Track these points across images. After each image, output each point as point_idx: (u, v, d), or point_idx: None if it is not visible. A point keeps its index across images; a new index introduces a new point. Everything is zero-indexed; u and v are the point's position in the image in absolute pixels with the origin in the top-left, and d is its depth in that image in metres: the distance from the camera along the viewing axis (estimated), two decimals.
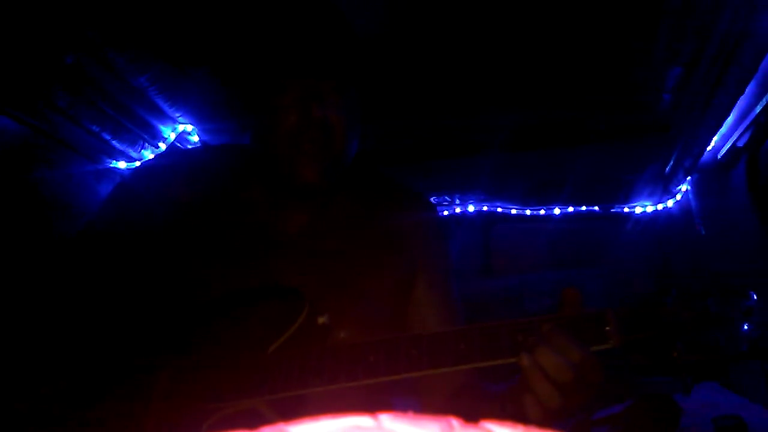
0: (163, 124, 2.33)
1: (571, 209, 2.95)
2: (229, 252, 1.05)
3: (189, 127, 2.40)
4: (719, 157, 2.40)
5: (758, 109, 2.06)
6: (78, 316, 1.00)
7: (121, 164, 2.29)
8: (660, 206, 2.94)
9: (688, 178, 2.65)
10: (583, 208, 2.94)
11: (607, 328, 0.80)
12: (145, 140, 2.29)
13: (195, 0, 1.78)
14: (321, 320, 0.91)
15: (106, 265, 1.06)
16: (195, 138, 2.44)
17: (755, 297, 0.78)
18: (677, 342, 0.78)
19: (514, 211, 2.99)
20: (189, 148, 2.40)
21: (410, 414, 0.33)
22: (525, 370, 0.79)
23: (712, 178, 2.48)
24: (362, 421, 0.32)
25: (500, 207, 3.00)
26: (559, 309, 0.84)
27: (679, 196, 2.82)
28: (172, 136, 2.37)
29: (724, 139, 2.32)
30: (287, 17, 1.01)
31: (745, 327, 0.78)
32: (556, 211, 2.96)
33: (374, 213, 1.13)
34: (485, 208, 3.01)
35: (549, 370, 0.77)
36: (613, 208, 2.95)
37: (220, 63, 1.99)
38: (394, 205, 1.16)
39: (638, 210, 2.96)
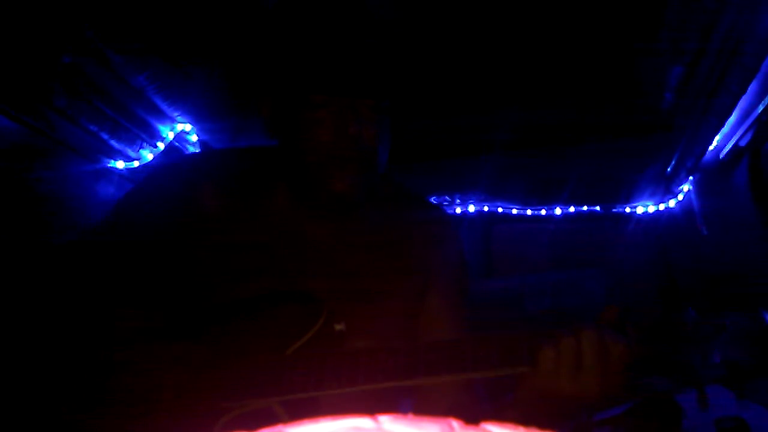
0: (161, 123, 2.32)
1: (572, 209, 2.94)
2: (252, 257, 1.06)
3: (188, 127, 2.39)
4: (721, 156, 2.38)
5: (760, 108, 2.04)
6: (90, 316, 0.99)
7: (120, 164, 2.28)
8: (662, 206, 2.93)
9: (690, 177, 2.64)
10: (585, 207, 2.93)
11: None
12: (143, 140, 2.28)
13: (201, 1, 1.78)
14: (338, 327, 0.93)
15: (124, 267, 1.05)
16: (194, 137, 2.44)
17: None
18: (696, 356, 0.80)
19: (515, 211, 2.98)
20: (208, 151, 2.38)
21: (410, 416, 0.32)
22: (561, 352, 0.81)
23: (715, 177, 2.47)
24: (362, 422, 0.31)
25: (501, 207, 2.99)
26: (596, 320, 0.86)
27: (681, 196, 2.81)
28: (171, 136, 2.37)
29: (726, 138, 2.30)
30: (323, 32, 1.00)
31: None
32: (557, 211, 2.95)
33: (395, 226, 1.14)
34: (486, 208, 3.00)
35: (586, 351, 0.80)
36: (615, 208, 2.94)
37: (239, 74, 1.98)
38: (414, 219, 1.17)
39: (640, 210, 2.95)
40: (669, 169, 2.72)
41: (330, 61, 0.99)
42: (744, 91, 1.96)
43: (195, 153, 2.40)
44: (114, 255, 1.06)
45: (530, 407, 0.86)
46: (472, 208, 3.02)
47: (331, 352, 0.88)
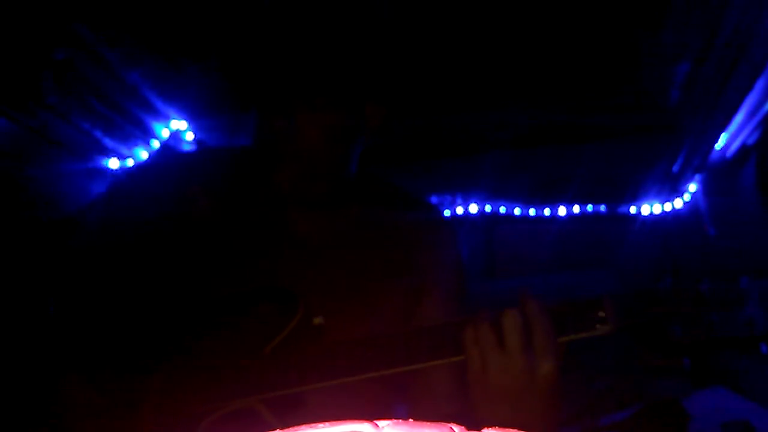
0: (156, 121, 2.30)
1: (576, 209, 2.91)
2: (233, 254, 1.04)
3: (183, 125, 2.37)
4: (728, 155, 2.38)
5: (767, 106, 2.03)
6: (69, 318, 0.98)
7: (113, 163, 2.25)
8: (668, 206, 2.91)
9: (697, 176, 2.63)
10: (589, 207, 2.91)
11: (601, 313, 0.80)
12: (137, 138, 2.26)
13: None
14: (317, 321, 0.90)
15: (103, 267, 1.03)
16: (189, 135, 2.41)
17: (747, 281, 0.80)
18: (673, 326, 0.80)
19: (518, 212, 2.95)
20: (190, 151, 2.38)
21: (411, 421, 0.30)
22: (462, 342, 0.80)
23: (722, 177, 2.47)
24: (362, 427, 0.30)
25: (504, 207, 2.96)
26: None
27: (687, 196, 2.80)
28: (166, 134, 2.34)
29: (734, 137, 2.29)
30: (318, 37, 0.99)
31: (740, 311, 0.79)
32: (562, 211, 2.92)
33: (386, 225, 1.12)
34: (488, 208, 2.97)
35: (481, 341, 0.79)
36: (620, 208, 2.92)
37: (235, 69, 1.96)
38: (407, 217, 1.14)
39: (645, 210, 2.93)
40: (675, 168, 2.71)
41: (332, 63, 0.97)
42: (751, 88, 1.95)
43: (180, 152, 2.39)
44: (92, 257, 1.04)
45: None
46: (474, 209, 2.99)
47: (308, 348, 0.87)
